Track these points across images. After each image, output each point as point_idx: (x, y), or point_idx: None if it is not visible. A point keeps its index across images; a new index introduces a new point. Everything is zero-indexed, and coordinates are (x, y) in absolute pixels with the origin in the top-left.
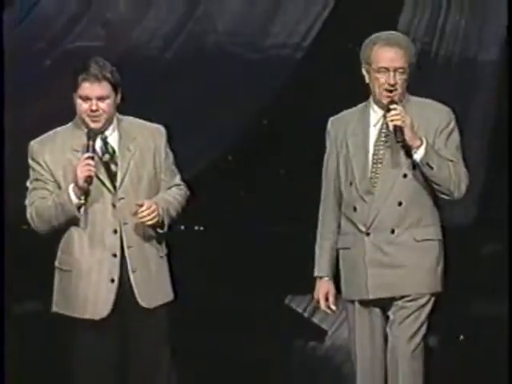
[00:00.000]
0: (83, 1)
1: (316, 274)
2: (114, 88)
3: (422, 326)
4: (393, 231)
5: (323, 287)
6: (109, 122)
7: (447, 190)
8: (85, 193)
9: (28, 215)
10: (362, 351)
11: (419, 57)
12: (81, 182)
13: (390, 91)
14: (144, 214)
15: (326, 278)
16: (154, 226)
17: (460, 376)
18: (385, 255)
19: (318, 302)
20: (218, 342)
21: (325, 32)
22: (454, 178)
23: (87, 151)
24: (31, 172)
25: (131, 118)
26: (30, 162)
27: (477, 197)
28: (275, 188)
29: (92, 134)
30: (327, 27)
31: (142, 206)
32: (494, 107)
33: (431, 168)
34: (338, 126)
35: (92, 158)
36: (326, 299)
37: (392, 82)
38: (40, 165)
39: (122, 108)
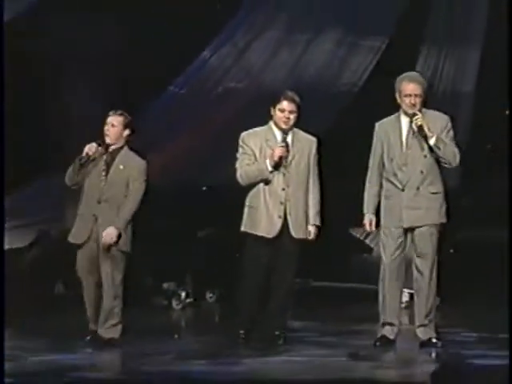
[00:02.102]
0: (233, 57)
1: (365, 211)
2: (298, 108)
3: (435, 245)
4: (418, 188)
5: (369, 218)
6: (290, 128)
7: (448, 161)
8: (275, 165)
9: (238, 175)
10: (392, 258)
11: (428, 89)
12: (276, 158)
13: (414, 115)
14: None
15: (370, 213)
16: None
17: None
18: (413, 202)
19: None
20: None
21: (371, 75)
22: (452, 154)
23: (283, 142)
24: (240, 149)
25: (301, 131)
26: (241, 143)
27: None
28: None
29: (285, 133)
30: (373, 73)
31: None
32: (470, 115)
33: (439, 148)
34: (381, 128)
35: (285, 147)
36: (370, 225)
37: (413, 102)
38: (247, 145)
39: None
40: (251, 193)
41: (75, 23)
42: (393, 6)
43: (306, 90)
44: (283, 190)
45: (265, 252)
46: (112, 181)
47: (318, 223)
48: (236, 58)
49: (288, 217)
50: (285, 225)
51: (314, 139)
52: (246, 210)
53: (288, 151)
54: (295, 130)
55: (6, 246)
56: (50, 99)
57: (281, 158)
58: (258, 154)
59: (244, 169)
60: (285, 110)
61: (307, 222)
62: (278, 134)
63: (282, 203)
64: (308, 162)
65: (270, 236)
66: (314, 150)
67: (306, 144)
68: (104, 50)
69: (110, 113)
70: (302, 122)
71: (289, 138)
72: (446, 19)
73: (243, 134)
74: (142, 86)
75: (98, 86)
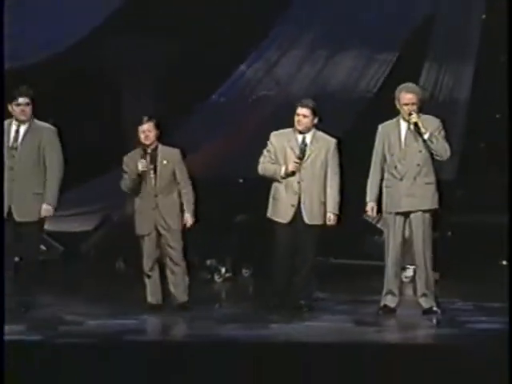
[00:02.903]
0: (265, 70)
1: (368, 199)
2: (314, 112)
3: (429, 227)
4: (414, 178)
5: (371, 205)
6: (308, 130)
7: (440, 154)
8: (287, 175)
9: (259, 168)
10: (393, 239)
11: (431, 97)
12: (289, 171)
13: (410, 114)
14: None
15: (372, 201)
16: None
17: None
18: (410, 190)
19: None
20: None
21: (382, 85)
22: (443, 148)
23: (298, 159)
24: (266, 146)
25: (321, 132)
26: (268, 142)
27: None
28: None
29: (303, 145)
30: (384, 83)
31: None
32: (466, 119)
33: (432, 142)
34: (383, 129)
35: (299, 164)
36: (372, 211)
37: (409, 110)
38: (271, 144)
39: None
40: (274, 185)
41: (128, 43)
42: (402, 27)
43: (327, 97)
44: (298, 183)
45: (285, 235)
46: (161, 176)
47: (336, 212)
48: (267, 71)
49: (302, 205)
50: (298, 212)
51: (332, 140)
52: (270, 199)
53: (306, 150)
54: (315, 131)
55: (76, 229)
56: (108, 108)
57: (293, 172)
58: (278, 153)
59: (264, 165)
60: (299, 114)
61: (325, 211)
62: (298, 136)
63: (296, 194)
64: (325, 159)
65: (285, 222)
66: (331, 150)
67: (323, 144)
68: (161, 65)
69: (143, 121)
70: (323, 124)
71: (308, 139)
72: (445, 38)
73: (272, 134)
74: (189, 96)
75: (150, 97)
